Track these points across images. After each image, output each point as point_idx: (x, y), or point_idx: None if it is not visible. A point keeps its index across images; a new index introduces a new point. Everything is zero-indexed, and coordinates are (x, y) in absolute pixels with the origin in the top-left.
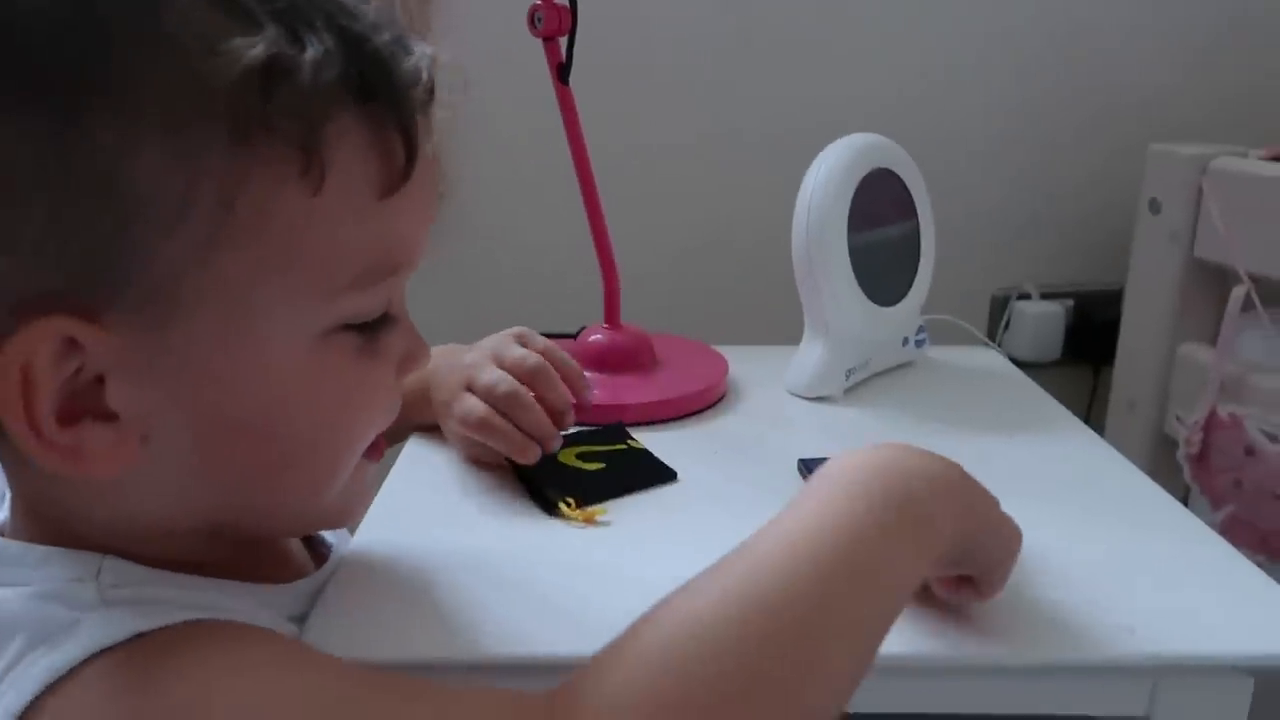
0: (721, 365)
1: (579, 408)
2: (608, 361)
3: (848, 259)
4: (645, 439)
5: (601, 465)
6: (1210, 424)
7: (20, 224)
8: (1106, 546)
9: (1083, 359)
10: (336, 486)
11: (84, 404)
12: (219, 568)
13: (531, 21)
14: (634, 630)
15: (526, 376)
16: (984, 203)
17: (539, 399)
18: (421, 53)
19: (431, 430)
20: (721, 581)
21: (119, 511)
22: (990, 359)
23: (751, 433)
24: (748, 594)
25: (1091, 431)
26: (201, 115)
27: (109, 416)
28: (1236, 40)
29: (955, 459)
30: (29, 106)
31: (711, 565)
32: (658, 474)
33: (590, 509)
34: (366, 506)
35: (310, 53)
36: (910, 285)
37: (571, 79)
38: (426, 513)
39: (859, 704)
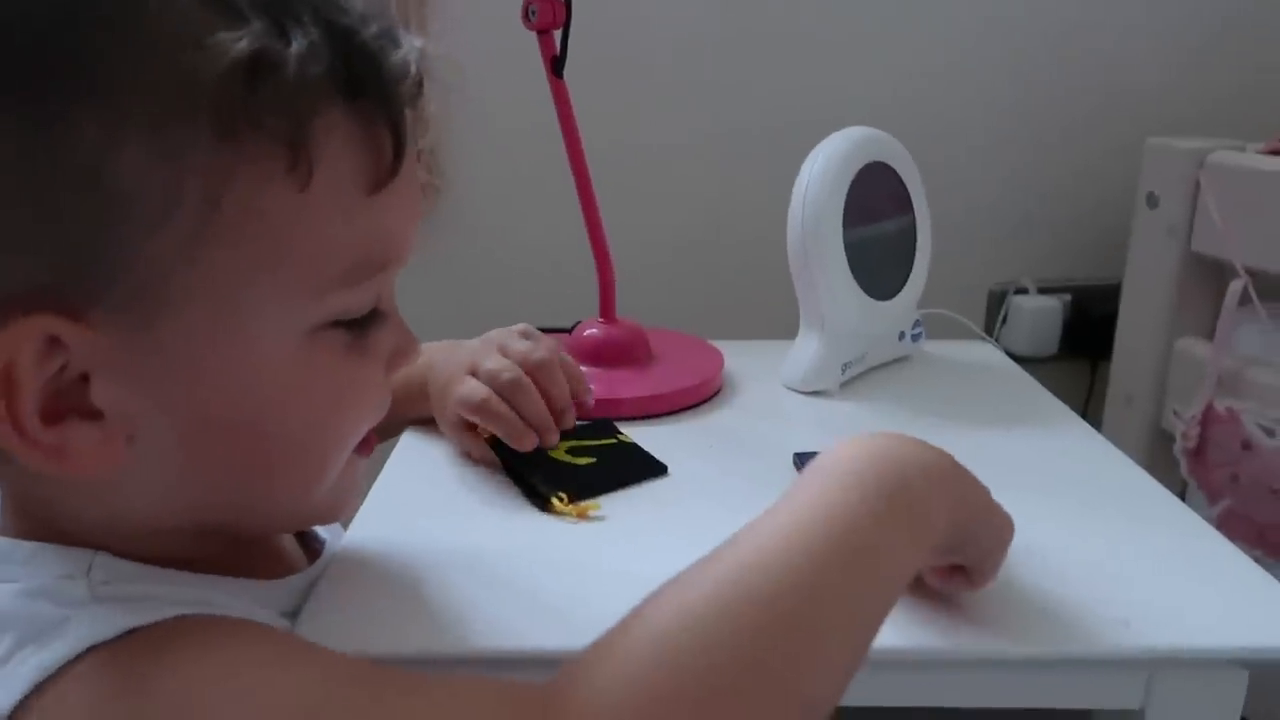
0: (717, 359)
1: (578, 408)
2: (603, 356)
3: (843, 252)
4: (640, 433)
5: (592, 460)
6: (1207, 418)
7: (3, 221)
8: (1103, 540)
9: (1080, 353)
10: (327, 483)
11: (68, 402)
12: (210, 564)
13: (526, 15)
14: (626, 623)
15: (531, 368)
16: (981, 197)
17: (541, 393)
18: (410, 46)
19: (426, 425)
20: (714, 573)
21: (108, 509)
22: (987, 353)
23: (747, 427)
24: (740, 585)
25: (1088, 426)
26: (186, 111)
27: (94, 415)
28: (1234, 34)
29: (951, 453)
30: (11, 101)
31: (704, 557)
32: (649, 468)
33: (583, 504)
34: (358, 502)
35: (296, 46)
36: (906, 279)
37: (566, 73)
38: (420, 508)
39: (852, 698)
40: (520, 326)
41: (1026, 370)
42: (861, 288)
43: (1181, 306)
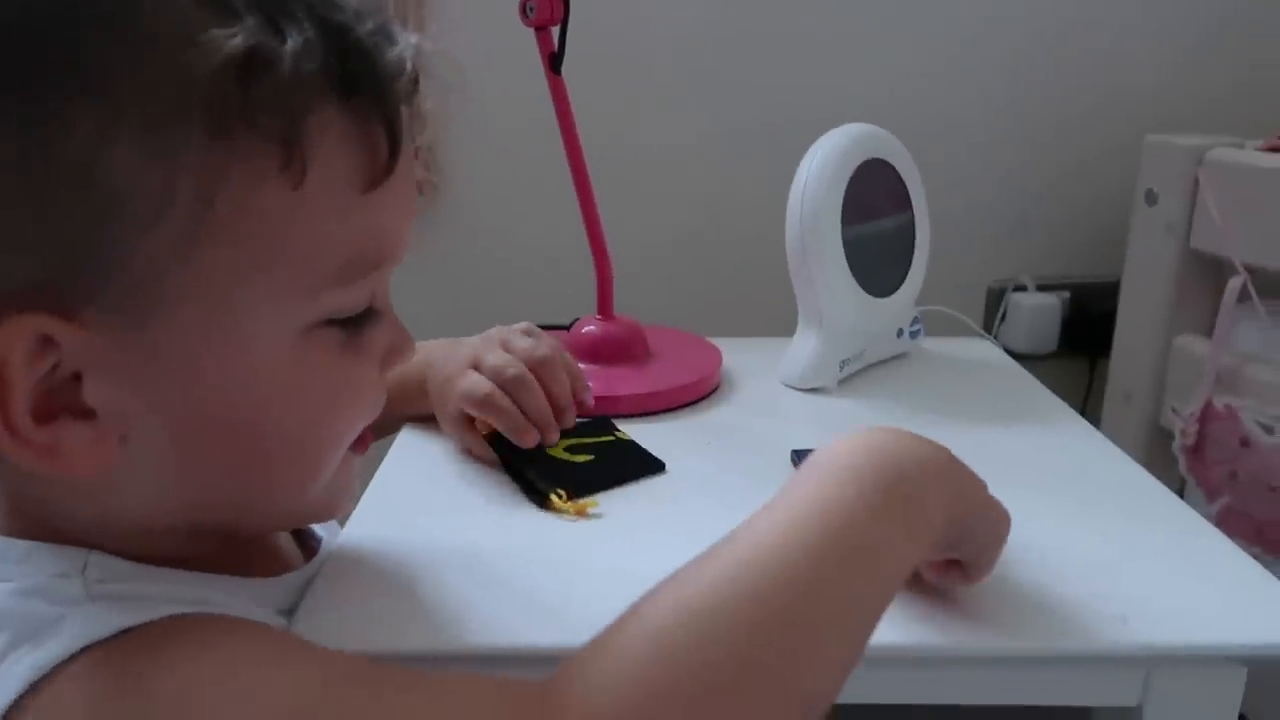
0: (715, 357)
1: (577, 406)
2: (601, 353)
3: (841, 249)
4: (638, 430)
5: (590, 457)
6: (1206, 415)
7: None
8: (1101, 537)
9: (1079, 351)
10: (321, 482)
11: (61, 401)
12: (206, 562)
13: (524, 11)
14: (623, 620)
15: (535, 365)
16: (980, 195)
17: (543, 390)
18: (405, 43)
19: (423, 422)
20: (710, 570)
21: (101, 508)
22: (985, 350)
23: (745, 424)
24: (736, 581)
25: (1087, 423)
26: (179, 109)
27: (86, 414)
28: (1232, 32)
29: (949, 449)
30: (4, 99)
31: (701, 554)
32: (647, 465)
33: (581, 502)
34: (353, 499)
35: (291, 44)
36: (905, 276)
37: (564, 70)
38: (417, 505)
39: (849, 695)
40: (523, 325)
41: (1025, 367)
42: (860, 285)
43: (1180, 303)
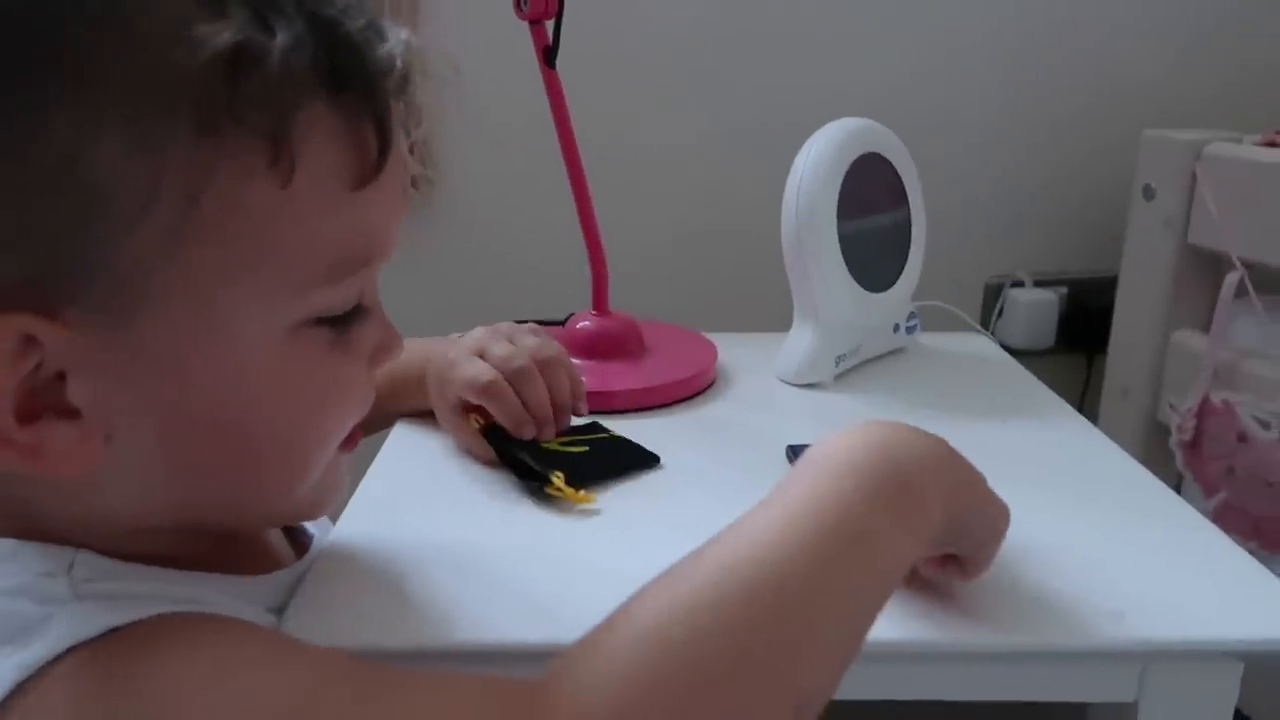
0: (711, 352)
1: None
2: (596, 348)
3: (837, 243)
4: (633, 425)
5: (585, 449)
6: (1203, 411)
7: None
8: (1098, 533)
9: (1076, 346)
10: (310, 481)
11: (44, 401)
12: (196, 560)
13: (518, 5)
14: (614, 619)
15: (539, 362)
16: (978, 190)
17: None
18: (396, 38)
19: (416, 419)
20: (705, 565)
21: (87, 508)
22: (982, 345)
23: (740, 419)
24: (732, 576)
25: (1084, 419)
26: (165, 105)
27: (71, 414)
28: (1230, 26)
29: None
30: None
31: (695, 550)
32: (642, 459)
33: (580, 492)
34: (341, 496)
35: (280, 39)
36: (901, 271)
37: (560, 67)
38: (410, 502)
39: (843, 691)
40: (528, 325)
41: (1022, 363)
42: (856, 279)
43: (1178, 299)
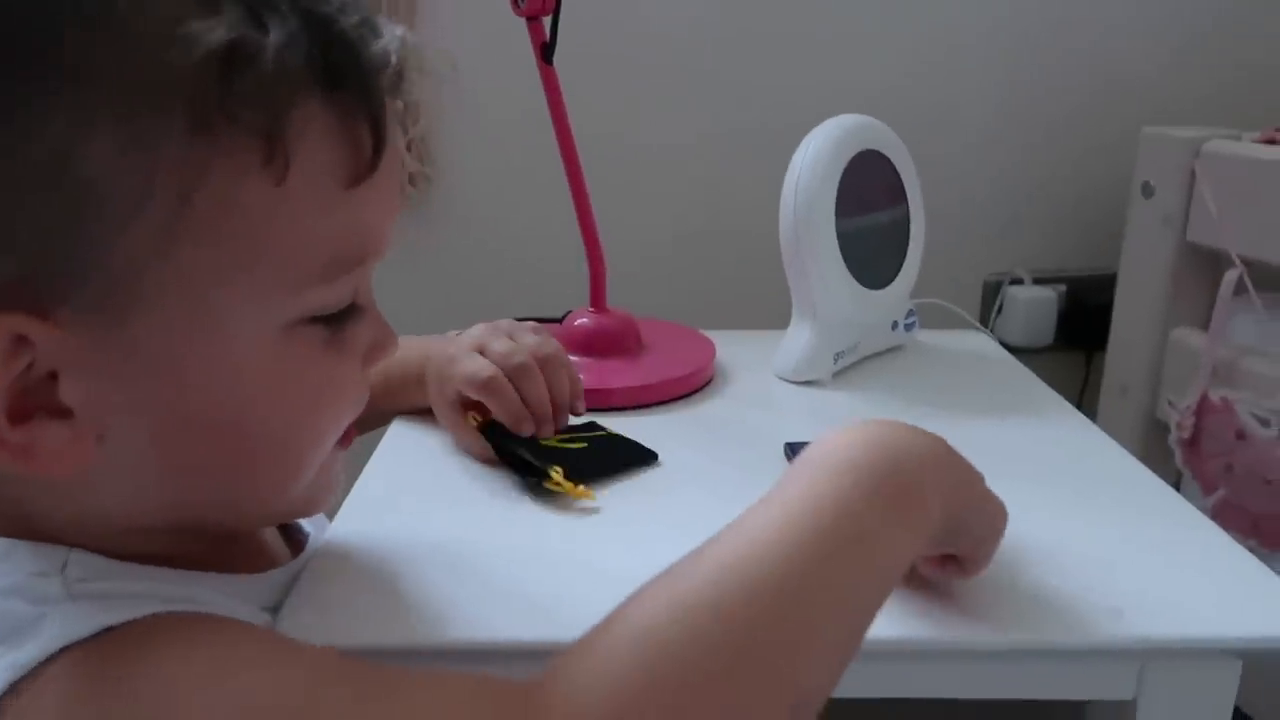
0: (709, 349)
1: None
2: (593, 345)
3: (835, 240)
4: (631, 423)
5: (584, 445)
6: (1202, 408)
7: None
8: (1097, 531)
9: (1075, 344)
10: (305, 481)
11: (36, 400)
12: (190, 559)
13: (515, 1)
14: (610, 620)
15: (540, 360)
16: (976, 188)
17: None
18: (391, 35)
19: (413, 417)
20: (704, 565)
21: (79, 508)
22: (981, 343)
23: (738, 417)
24: (731, 575)
25: (1083, 416)
26: (158, 103)
27: (63, 413)
28: (1229, 23)
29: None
30: None
31: (693, 550)
32: (640, 456)
33: (579, 487)
34: (335, 494)
35: (274, 36)
36: (900, 269)
37: (559, 65)
38: (407, 500)
39: (841, 689)
40: (529, 324)
41: (1021, 361)
42: (854, 277)
43: (1177, 296)
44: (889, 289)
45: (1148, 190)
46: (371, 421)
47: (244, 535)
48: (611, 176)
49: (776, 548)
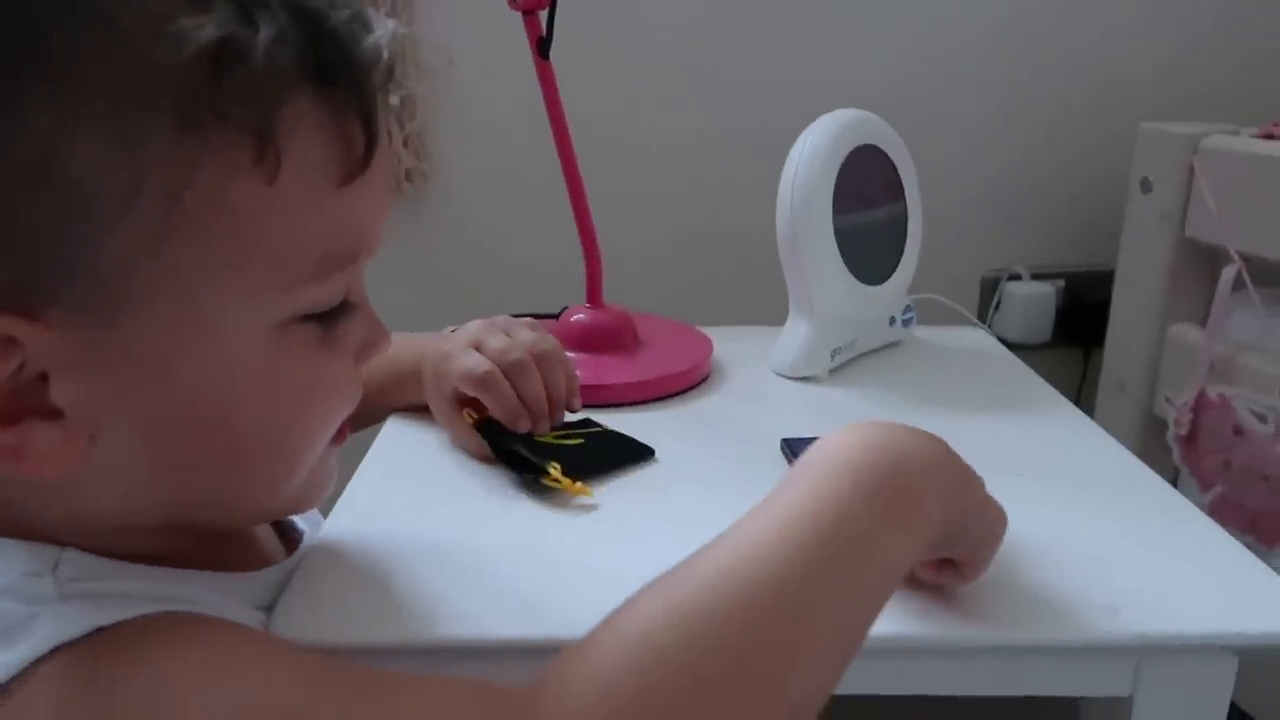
0: (705, 345)
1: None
2: (590, 342)
3: (832, 235)
4: (628, 420)
5: (580, 442)
6: (1200, 405)
7: None
8: (1094, 527)
9: (1073, 340)
10: (298, 479)
11: (27, 402)
12: (184, 559)
13: None
14: (605, 625)
15: (536, 357)
16: (975, 184)
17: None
18: (382, 30)
19: (408, 414)
20: (700, 570)
21: (71, 508)
22: (979, 339)
23: (735, 413)
24: (730, 579)
25: (1081, 412)
26: (146, 101)
27: (54, 414)
28: (1228, 19)
29: (944, 440)
30: None
31: (692, 554)
32: (636, 452)
33: (577, 484)
34: (329, 490)
35: (264, 33)
36: (897, 264)
37: (555, 61)
38: (403, 497)
39: (839, 687)
40: (527, 320)
41: (1019, 357)
42: (851, 272)
43: (1175, 292)
44: (886, 285)
45: (1146, 186)
46: (367, 418)
47: (237, 533)
48: (608, 173)
49: (776, 550)
